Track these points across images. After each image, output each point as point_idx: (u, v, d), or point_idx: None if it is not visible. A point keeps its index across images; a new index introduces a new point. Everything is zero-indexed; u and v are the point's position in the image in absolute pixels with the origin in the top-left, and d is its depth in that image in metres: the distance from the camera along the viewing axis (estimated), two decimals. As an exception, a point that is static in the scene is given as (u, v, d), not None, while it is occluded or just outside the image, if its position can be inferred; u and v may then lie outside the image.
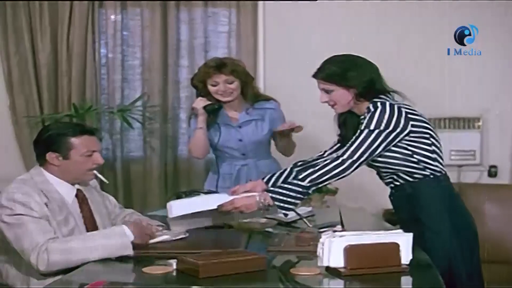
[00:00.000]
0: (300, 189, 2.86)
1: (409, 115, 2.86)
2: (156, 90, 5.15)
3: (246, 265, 2.41)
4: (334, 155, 2.95)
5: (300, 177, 2.87)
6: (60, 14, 5.08)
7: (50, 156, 2.88)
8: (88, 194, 3.02)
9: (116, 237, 2.68)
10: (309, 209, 3.52)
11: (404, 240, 2.45)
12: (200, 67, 3.93)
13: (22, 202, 2.71)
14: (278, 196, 2.86)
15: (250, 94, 3.90)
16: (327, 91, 2.94)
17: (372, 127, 2.83)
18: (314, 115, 4.36)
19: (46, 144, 2.91)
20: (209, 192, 3.77)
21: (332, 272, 2.39)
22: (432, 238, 2.84)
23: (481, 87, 5.09)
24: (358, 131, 2.86)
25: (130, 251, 2.67)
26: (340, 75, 2.90)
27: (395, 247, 2.42)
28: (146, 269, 2.45)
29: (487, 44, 4.95)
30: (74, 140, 2.90)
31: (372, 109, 2.85)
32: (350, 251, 2.38)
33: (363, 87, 2.89)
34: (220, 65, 3.79)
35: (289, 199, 2.86)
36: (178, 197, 3.75)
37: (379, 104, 2.86)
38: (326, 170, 2.84)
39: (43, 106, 5.14)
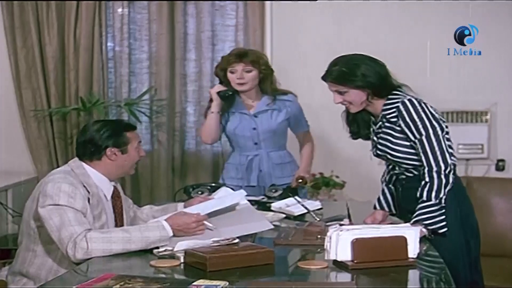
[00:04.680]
0: (438, 206, 2.79)
1: (434, 111, 2.87)
2: (164, 84, 5.15)
3: (254, 259, 2.42)
4: (426, 177, 2.81)
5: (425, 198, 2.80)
6: (67, 8, 5.08)
7: (110, 151, 2.90)
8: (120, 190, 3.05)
9: (155, 231, 2.69)
10: (317, 202, 3.53)
11: (411, 234, 2.46)
12: (224, 56, 4.00)
13: (67, 193, 2.71)
14: (430, 221, 2.78)
15: (269, 87, 3.93)
16: (340, 93, 2.92)
17: (425, 133, 2.81)
18: (321, 108, 4.37)
19: (105, 140, 2.91)
20: (216, 185, 3.79)
21: (339, 265, 2.39)
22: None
23: (489, 80, 5.07)
24: (417, 141, 2.83)
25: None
26: (349, 75, 2.88)
27: (402, 240, 2.42)
28: (153, 262, 2.46)
29: (494, 38, 4.93)
30: (130, 134, 2.96)
31: (403, 109, 2.84)
32: (357, 245, 2.38)
33: (375, 86, 2.88)
34: (241, 54, 3.87)
35: (438, 218, 2.80)
36: (186, 191, 3.77)
37: (406, 101, 2.85)
38: (438, 186, 2.80)
39: (50, 99, 5.14)
